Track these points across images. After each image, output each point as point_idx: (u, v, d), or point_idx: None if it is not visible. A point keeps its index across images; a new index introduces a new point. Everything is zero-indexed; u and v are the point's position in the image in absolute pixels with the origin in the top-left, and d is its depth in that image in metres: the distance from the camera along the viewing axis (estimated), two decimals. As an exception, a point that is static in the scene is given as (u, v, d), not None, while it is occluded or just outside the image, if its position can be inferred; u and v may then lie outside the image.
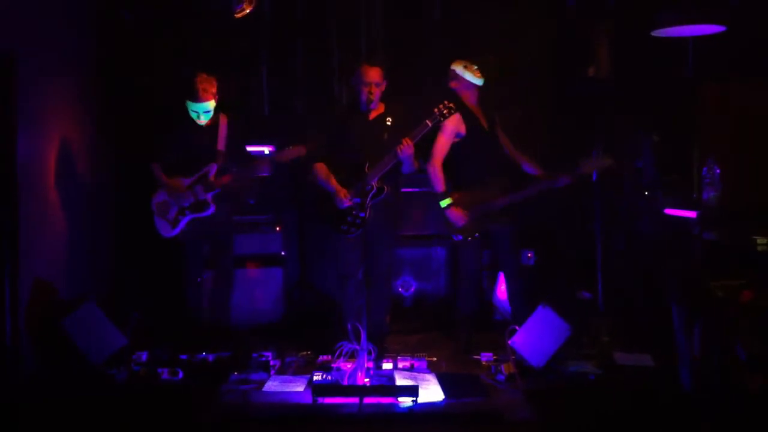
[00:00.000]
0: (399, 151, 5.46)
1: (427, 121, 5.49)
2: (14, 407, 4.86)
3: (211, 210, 5.87)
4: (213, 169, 5.86)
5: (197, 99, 5.76)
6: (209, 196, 5.86)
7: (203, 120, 5.85)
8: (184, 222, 5.88)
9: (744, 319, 4.64)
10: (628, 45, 6.69)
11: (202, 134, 5.90)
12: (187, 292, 6.08)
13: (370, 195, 5.60)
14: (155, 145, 5.99)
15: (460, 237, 5.76)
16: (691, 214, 5.38)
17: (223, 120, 5.96)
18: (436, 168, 5.73)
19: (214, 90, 5.80)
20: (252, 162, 5.99)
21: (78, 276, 6.24)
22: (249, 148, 6.30)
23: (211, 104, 5.81)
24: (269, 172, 5.91)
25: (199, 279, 6.13)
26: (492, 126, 5.89)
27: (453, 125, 5.71)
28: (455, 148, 5.81)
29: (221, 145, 5.92)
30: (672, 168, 6.25)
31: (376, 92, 5.65)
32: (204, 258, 6.14)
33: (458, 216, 5.70)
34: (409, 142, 5.46)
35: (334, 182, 5.68)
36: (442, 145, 5.76)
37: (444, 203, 5.71)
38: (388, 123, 5.66)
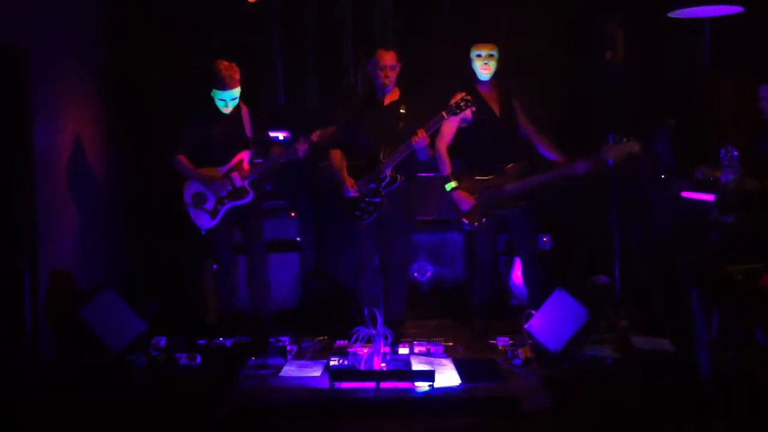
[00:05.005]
0: (414, 141, 5.48)
1: (444, 113, 5.50)
2: (35, 396, 4.89)
3: (251, 197, 5.85)
4: (247, 156, 5.87)
5: (226, 87, 5.71)
6: (246, 183, 5.85)
7: (230, 108, 5.80)
8: (223, 211, 5.85)
9: (763, 303, 4.63)
10: (643, 32, 6.68)
11: (227, 123, 5.87)
12: (219, 281, 6.07)
13: (384, 183, 5.61)
14: (175, 137, 5.92)
15: (466, 222, 5.77)
16: (709, 197, 5.36)
17: (244, 108, 5.94)
18: (441, 152, 5.78)
19: (238, 77, 5.76)
20: (287, 146, 6.01)
21: (95, 266, 6.27)
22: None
23: (237, 91, 5.76)
24: (305, 154, 5.81)
25: (215, 267, 6.14)
26: (508, 112, 5.87)
27: None
28: (466, 134, 5.83)
29: (249, 132, 5.93)
30: (689, 153, 6.24)
31: (392, 75, 5.66)
32: (234, 245, 6.09)
33: (463, 199, 5.72)
34: (424, 133, 5.47)
35: (343, 172, 5.71)
36: (448, 129, 5.78)
37: (449, 186, 5.75)
38: (402, 111, 5.67)
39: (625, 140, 5.48)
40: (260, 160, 5.93)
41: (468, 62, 5.79)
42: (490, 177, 5.75)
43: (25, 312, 5.24)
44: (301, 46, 7.38)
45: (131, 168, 6.91)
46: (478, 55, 5.73)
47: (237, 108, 5.90)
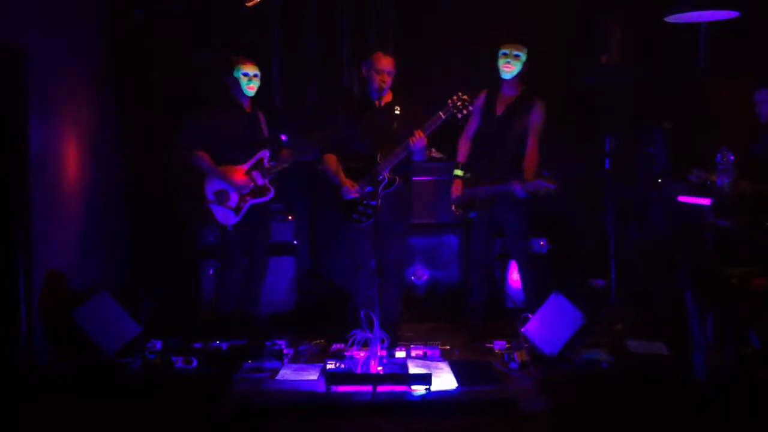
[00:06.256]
0: (411, 143, 5.47)
1: (441, 113, 5.49)
2: (35, 396, 4.89)
3: (272, 194, 5.91)
4: (267, 155, 5.92)
5: (247, 60, 5.83)
6: (267, 182, 5.90)
7: (253, 85, 5.85)
8: (246, 208, 5.86)
9: (758, 306, 4.63)
10: (642, 34, 6.68)
11: (246, 122, 5.92)
12: (224, 281, 6.04)
13: (382, 185, 5.61)
14: (190, 134, 5.88)
15: (453, 209, 5.91)
16: (705, 201, 5.36)
17: (259, 111, 6.03)
18: (460, 140, 6.03)
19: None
20: (298, 146, 6.05)
21: (93, 267, 6.27)
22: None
23: (257, 69, 5.87)
24: (318, 154, 5.88)
25: (211, 270, 6.15)
26: (513, 115, 5.84)
27: (477, 103, 5.85)
28: (477, 130, 5.98)
29: (266, 132, 6.00)
30: (687, 155, 6.24)
31: (388, 81, 5.65)
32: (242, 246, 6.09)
33: (454, 188, 5.90)
34: (422, 134, 5.47)
35: (341, 174, 5.70)
36: (471, 122, 5.96)
37: (454, 173, 5.96)
38: (397, 112, 5.66)
39: (547, 175, 5.50)
40: (272, 162, 5.96)
41: (495, 58, 5.82)
42: (475, 175, 5.83)
43: (20, 316, 5.24)
44: (301, 46, 7.39)
45: (131, 168, 6.91)
46: (504, 53, 5.77)
47: (254, 109, 5.97)
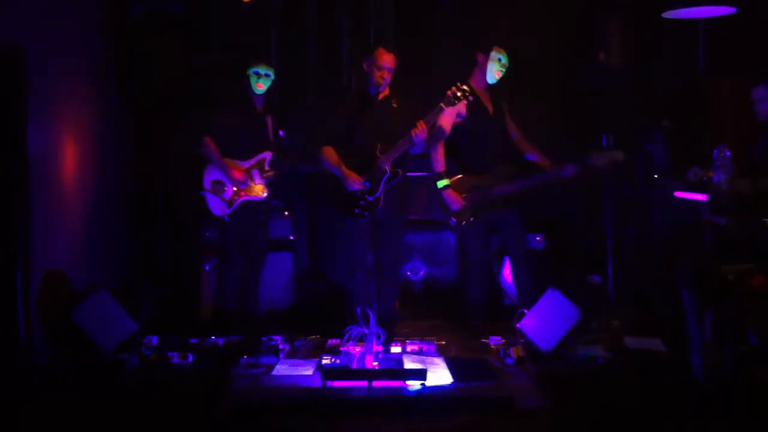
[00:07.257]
0: (413, 134, 5.44)
1: (442, 104, 5.46)
2: (35, 396, 4.89)
3: (266, 195, 6.01)
4: (269, 156, 6.01)
5: (260, 61, 5.94)
6: (264, 182, 5.98)
7: (262, 83, 5.93)
8: (238, 203, 5.94)
9: (756, 305, 4.62)
10: (641, 33, 6.68)
11: (255, 122, 6.02)
12: (224, 276, 6.09)
13: (384, 178, 5.59)
14: (201, 121, 6.02)
15: (454, 220, 5.81)
16: (702, 198, 5.35)
17: (267, 115, 6.12)
18: (436, 148, 5.77)
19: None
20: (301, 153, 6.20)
21: (93, 267, 6.28)
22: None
23: (270, 70, 5.96)
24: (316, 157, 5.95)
25: (207, 266, 6.17)
26: (500, 113, 5.88)
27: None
28: (460, 132, 5.84)
29: (271, 136, 6.10)
30: (686, 154, 6.23)
31: (387, 78, 5.66)
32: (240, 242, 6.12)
33: (453, 199, 5.75)
34: (424, 125, 5.45)
35: (342, 166, 5.66)
36: (444, 124, 5.75)
37: (440, 184, 5.76)
38: (395, 106, 5.68)
39: (608, 148, 5.51)
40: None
41: (484, 59, 5.81)
42: (480, 177, 5.78)
43: (18, 316, 5.24)
44: (301, 46, 7.40)
45: (131, 168, 6.93)
46: (499, 59, 5.78)
47: (265, 110, 6.06)
